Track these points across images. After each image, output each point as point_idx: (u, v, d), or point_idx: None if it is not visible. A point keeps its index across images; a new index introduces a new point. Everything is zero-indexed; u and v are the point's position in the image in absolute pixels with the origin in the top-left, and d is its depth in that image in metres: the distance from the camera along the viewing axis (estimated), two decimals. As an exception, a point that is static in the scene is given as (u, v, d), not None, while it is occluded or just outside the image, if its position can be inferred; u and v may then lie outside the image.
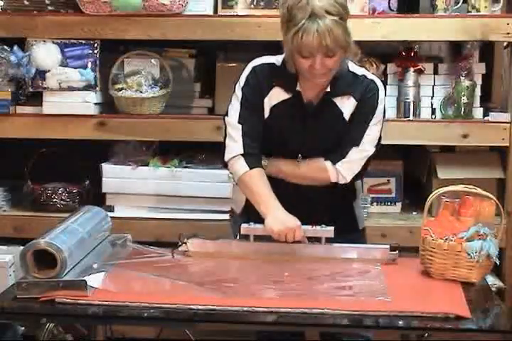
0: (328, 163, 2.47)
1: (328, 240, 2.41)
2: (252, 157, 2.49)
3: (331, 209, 2.54)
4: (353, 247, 2.42)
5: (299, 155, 2.50)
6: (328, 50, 2.29)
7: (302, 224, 2.36)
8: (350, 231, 2.56)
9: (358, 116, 2.47)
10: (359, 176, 2.53)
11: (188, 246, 2.42)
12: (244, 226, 2.42)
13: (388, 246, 2.38)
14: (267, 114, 2.50)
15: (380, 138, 2.51)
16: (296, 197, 2.48)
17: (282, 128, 2.51)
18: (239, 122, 2.51)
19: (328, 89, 2.45)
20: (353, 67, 2.49)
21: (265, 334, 2.63)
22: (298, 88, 2.46)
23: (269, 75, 2.49)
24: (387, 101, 3.23)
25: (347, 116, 2.47)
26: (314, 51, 2.29)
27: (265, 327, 2.14)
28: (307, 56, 2.32)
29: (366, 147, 2.48)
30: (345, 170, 2.47)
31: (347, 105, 2.46)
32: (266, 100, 2.49)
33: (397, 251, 2.38)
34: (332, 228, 2.39)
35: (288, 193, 2.48)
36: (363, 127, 2.47)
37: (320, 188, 2.51)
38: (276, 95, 2.48)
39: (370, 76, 2.50)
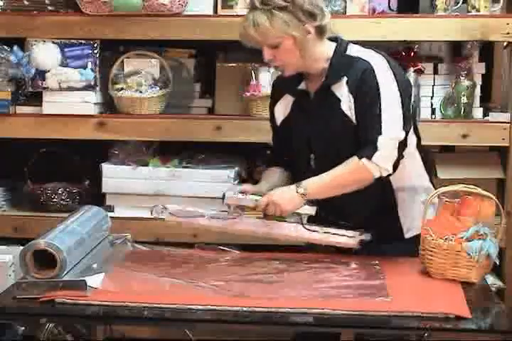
0: (366, 161, 2.30)
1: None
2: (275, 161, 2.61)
3: (369, 217, 2.45)
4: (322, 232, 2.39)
5: (311, 156, 2.46)
6: (260, 42, 2.32)
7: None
8: (391, 239, 2.44)
9: (365, 103, 2.34)
10: (399, 162, 2.35)
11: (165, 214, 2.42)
12: (228, 194, 2.38)
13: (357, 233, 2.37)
14: (280, 120, 2.53)
15: (405, 118, 2.34)
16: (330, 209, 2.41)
17: (290, 129, 2.50)
18: (272, 139, 2.64)
19: (324, 79, 2.40)
20: (352, 50, 2.41)
21: (300, 335, 2.61)
22: (301, 87, 2.45)
23: (278, 86, 2.57)
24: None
25: (345, 105, 2.37)
26: (250, 44, 2.35)
27: (265, 327, 2.14)
28: (259, 47, 2.35)
29: (392, 132, 2.32)
30: (383, 161, 2.31)
31: (343, 92, 2.37)
32: (276, 111, 2.54)
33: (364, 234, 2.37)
34: (314, 207, 2.36)
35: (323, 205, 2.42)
36: (375, 113, 2.32)
37: (355, 197, 2.39)
38: (286, 101, 2.51)
39: (366, 57, 2.38)
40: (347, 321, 1.96)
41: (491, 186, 3.08)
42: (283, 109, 2.52)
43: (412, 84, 3.18)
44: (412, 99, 2.46)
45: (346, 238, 2.37)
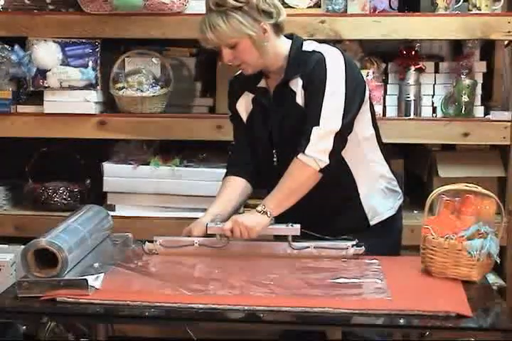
0: (301, 156, 2.34)
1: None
2: (234, 167, 2.60)
3: (331, 208, 2.50)
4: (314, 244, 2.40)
5: (274, 151, 2.48)
6: (218, 43, 2.35)
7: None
8: (357, 228, 2.48)
9: (310, 93, 2.37)
10: (336, 154, 2.37)
11: (156, 245, 2.42)
12: (210, 224, 2.40)
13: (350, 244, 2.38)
14: (245, 117, 2.56)
15: (347, 110, 2.35)
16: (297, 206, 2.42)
17: (253, 127, 2.53)
18: (235, 138, 2.65)
19: (283, 75, 2.43)
20: (307, 46, 2.44)
21: (287, 334, 2.64)
22: (261, 84, 2.49)
23: (237, 83, 2.58)
24: (388, 99, 3.26)
25: (299, 98, 2.40)
26: (209, 45, 2.39)
27: (266, 326, 2.15)
28: (218, 49, 2.38)
29: (328, 123, 2.33)
30: (317, 153, 2.33)
31: (298, 86, 2.41)
32: (238, 108, 2.57)
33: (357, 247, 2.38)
34: (298, 226, 2.37)
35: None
36: (317, 103, 2.34)
37: (318, 190, 2.41)
38: (247, 99, 2.53)
39: (320, 49, 2.40)
40: (348, 320, 1.96)
41: (491, 185, 3.09)
42: (245, 106, 2.55)
43: (413, 82, 3.21)
44: (367, 96, 2.46)
45: (339, 251, 2.38)
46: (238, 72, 2.59)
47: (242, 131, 2.60)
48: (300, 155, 2.35)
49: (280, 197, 2.38)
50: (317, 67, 2.36)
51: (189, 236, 2.44)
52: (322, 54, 2.38)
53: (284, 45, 2.44)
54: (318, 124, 2.34)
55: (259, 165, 2.56)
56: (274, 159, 2.49)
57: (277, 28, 2.40)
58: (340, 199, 2.51)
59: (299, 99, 2.41)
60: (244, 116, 2.56)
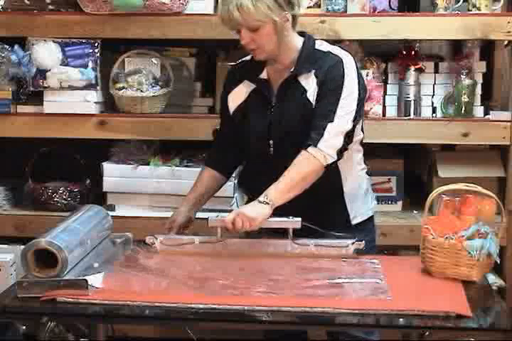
0: (311, 149, 2.38)
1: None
2: (212, 159, 2.68)
3: (314, 205, 2.49)
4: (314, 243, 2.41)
5: (271, 142, 2.50)
6: (242, 24, 2.36)
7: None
8: (339, 226, 2.48)
9: (326, 92, 2.42)
10: (342, 151, 2.43)
11: (156, 244, 2.43)
12: (211, 218, 2.40)
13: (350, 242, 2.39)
14: (233, 108, 2.57)
15: (357, 113, 2.43)
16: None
17: (248, 117, 2.54)
18: (219, 129, 2.70)
19: (292, 69, 2.46)
20: (321, 45, 2.50)
21: (272, 334, 2.65)
22: (263, 76, 2.51)
23: (236, 72, 2.60)
24: (388, 99, 3.27)
25: (310, 94, 2.45)
26: (230, 25, 2.39)
27: (266, 325, 2.15)
28: (237, 31, 2.40)
29: (342, 122, 2.40)
30: (328, 148, 2.38)
31: (310, 83, 2.45)
32: (230, 98, 2.58)
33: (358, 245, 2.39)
34: (299, 219, 2.37)
35: None
36: (333, 101, 2.41)
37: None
38: (244, 88, 2.55)
39: (336, 52, 2.48)
40: (348, 320, 1.96)
41: (491, 185, 3.09)
42: (237, 96, 2.56)
43: (413, 82, 3.22)
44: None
45: (339, 249, 2.39)
46: (238, 62, 2.62)
47: (229, 123, 2.61)
48: (310, 148, 2.38)
49: (283, 188, 2.37)
50: (335, 68, 2.43)
51: (171, 227, 2.50)
52: (340, 57, 2.45)
53: (297, 40, 2.48)
54: (332, 121, 2.39)
55: (248, 154, 2.59)
56: (271, 149, 2.51)
57: (294, 21, 2.45)
58: (326, 198, 2.53)
59: (311, 96, 2.44)
60: (232, 108, 2.58)
